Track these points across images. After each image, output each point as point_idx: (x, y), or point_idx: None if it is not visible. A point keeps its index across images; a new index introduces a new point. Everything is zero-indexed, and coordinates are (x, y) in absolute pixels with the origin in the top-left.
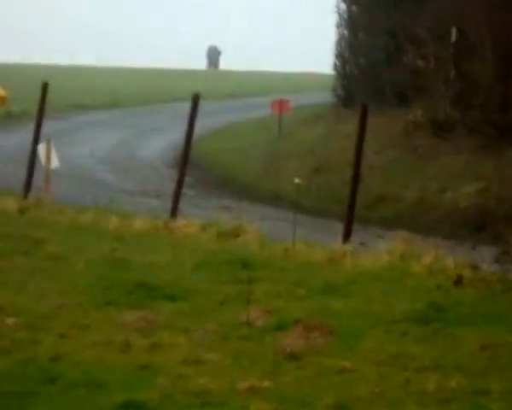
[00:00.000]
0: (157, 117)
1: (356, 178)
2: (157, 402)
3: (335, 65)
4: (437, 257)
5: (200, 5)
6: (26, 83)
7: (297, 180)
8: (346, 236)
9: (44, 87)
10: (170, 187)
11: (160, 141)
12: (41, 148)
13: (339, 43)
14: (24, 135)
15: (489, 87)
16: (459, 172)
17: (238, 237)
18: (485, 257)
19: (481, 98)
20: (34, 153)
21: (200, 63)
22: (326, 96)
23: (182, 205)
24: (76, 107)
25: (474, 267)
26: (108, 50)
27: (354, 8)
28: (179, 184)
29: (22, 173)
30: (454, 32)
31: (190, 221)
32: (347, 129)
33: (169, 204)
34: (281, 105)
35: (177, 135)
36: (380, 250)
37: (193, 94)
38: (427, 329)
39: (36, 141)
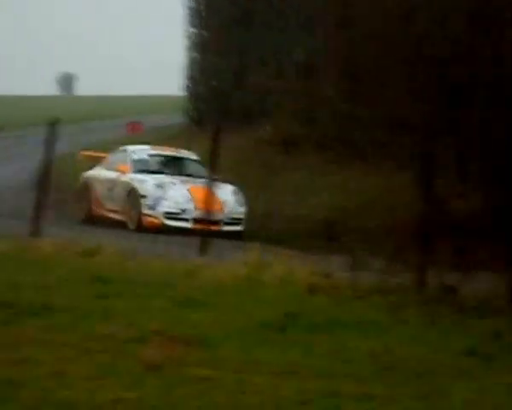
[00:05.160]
0: (11, 143)
1: None
2: None
3: (188, 87)
4: (290, 267)
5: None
6: None
7: None
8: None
9: None
10: (28, 208)
11: (16, 165)
12: None
13: (190, 66)
14: None
15: (334, 105)
16: (308, 186)
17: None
18: (336, 266)
19: (327, 115)
20: None
21: (51, 89)
22: (178, 118)
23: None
24: None
25: (327, 276)
26: None
27: (204, 32)
28: (38, 205)
29: None
30: (299, 52)
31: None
32: (200, 147)
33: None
34: (134, 126)
35: (35, 159)
36: (235, 262)
37: (50, 118)
38: (283, 336)
39: None
